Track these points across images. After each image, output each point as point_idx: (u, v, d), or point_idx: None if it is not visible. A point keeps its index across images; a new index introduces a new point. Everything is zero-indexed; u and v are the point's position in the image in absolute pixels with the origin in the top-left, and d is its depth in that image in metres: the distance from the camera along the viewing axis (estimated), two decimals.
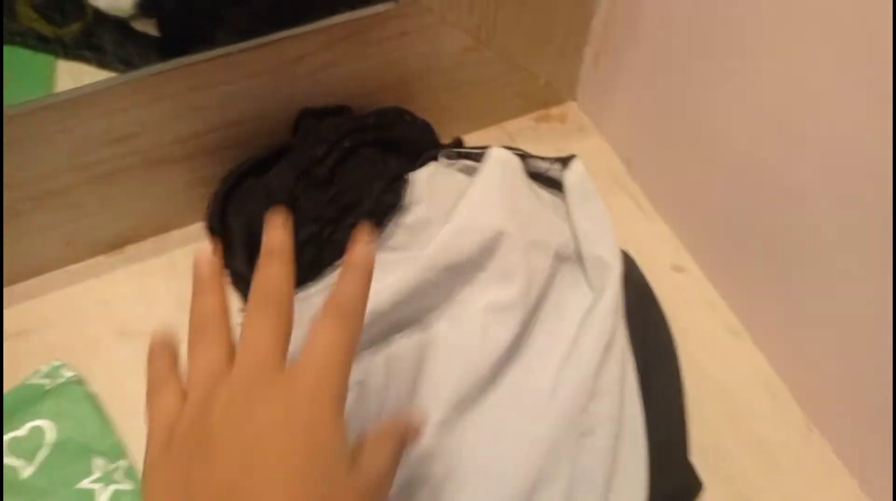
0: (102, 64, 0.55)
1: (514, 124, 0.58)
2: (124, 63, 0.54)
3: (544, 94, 0.57)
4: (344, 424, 0.27)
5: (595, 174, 0.53)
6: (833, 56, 0.35)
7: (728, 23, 0.41)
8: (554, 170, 0.43)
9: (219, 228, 0.45)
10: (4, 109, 0.40)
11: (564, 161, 0.43)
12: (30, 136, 0.41)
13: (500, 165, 0.41)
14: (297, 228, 0.40)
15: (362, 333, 0.38)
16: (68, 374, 0.45)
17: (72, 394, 0.45)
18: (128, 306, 0.48)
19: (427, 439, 0.35)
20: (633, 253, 0.48)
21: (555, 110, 0.59)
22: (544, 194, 0.43)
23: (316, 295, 0.39)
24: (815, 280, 0.41)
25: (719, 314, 0.50)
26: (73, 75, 0.54)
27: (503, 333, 0.37)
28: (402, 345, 0.39)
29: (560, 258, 0.41)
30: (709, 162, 0.48)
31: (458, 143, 0.47)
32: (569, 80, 0.57)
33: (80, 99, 0.40)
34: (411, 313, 0.39)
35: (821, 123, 0.37)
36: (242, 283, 0.46)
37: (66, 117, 0.41)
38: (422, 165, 0.42)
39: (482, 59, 0.51)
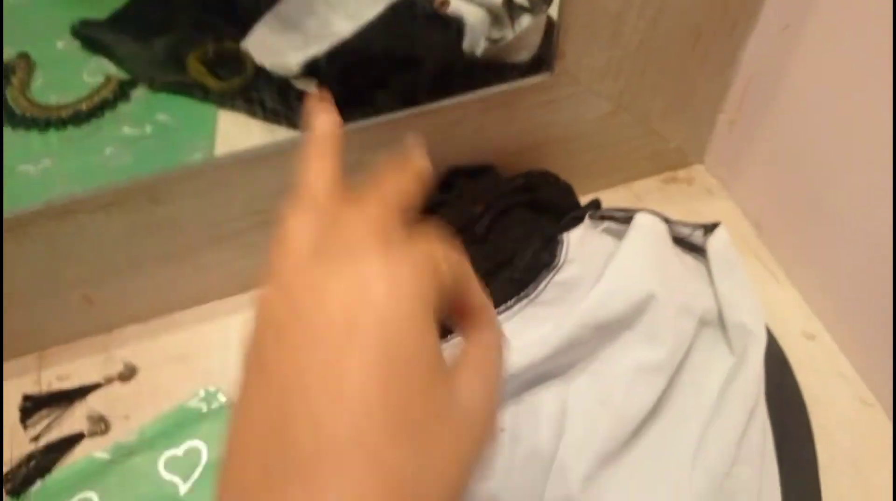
0: (258, 116, 0.61)
1: (641, 185, 0.60)
2: (279, 117, 0.60)
3: (673, 156, 0.59)
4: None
5: None
6: None
7: (865, 95, 0.42)
8: (696, 236, 0.45)
9: None
10: (203, 162, 0.45)
11: (707, 228, 0.45)
12: (218, 185, 0.45)
13: (648, 229, 0.43)
14: None
15: (511, 382, 0.40)
16: (223, 399, 0.49)
17: (226, 419, 0.49)
18: None
19: (573, 493, 0.37)
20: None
21: (682, 173, 0.61)
22: (687, 258, 0.45)
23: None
24: None
25: (851, 384, 0.50)
26: (232, 124, 0.60)
27: (649, 393, 0.39)
28: (544, 397, 0.42)
29: (703, 323, 0.42)
30: (842, 229, 0.48)
31: (597, 204, 0.49)
32: (699, 143, 0.59)
33: (263, 155, 0.45)
34: (556, 366, 0.41)
35: None
36: None
37: (250, 171, 0.45)
38: (568, 225, 0.45)
39: (619, 123, 0.54)
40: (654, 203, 0.59)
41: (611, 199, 0.59)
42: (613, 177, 0.59)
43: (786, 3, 0.47)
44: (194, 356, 0.51)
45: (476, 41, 0.54)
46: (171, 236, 0.47)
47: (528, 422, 0.41)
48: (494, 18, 0.55)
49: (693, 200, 0.59)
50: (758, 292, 0.45)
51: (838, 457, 0.46)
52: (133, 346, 0.51)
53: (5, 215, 0.43)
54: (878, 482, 0.46)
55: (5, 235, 0.43)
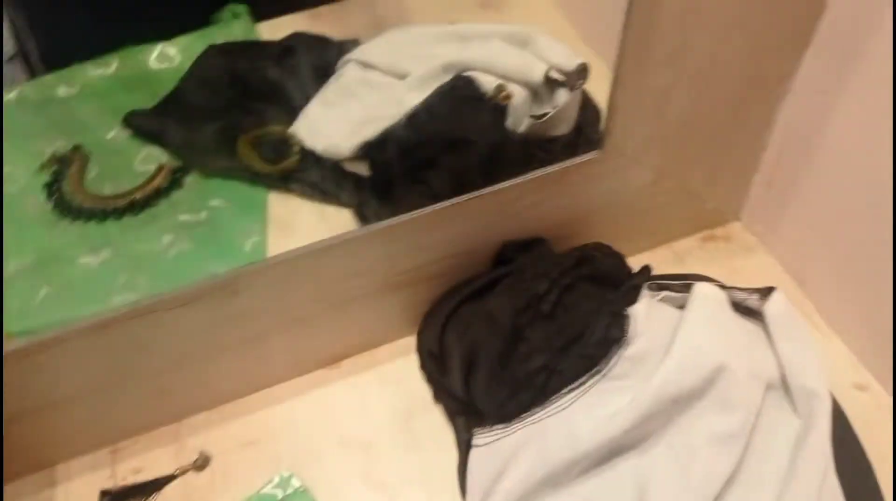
0: (308, 195, 0.63)
1: (681, 245, 0.62)
2: (329, 197, 0.62)
3: (711, 216, 0.61)
4: None
5: None
6: None
7: None
8: (751, 300, 0.47)
9: (437, 348, 0.51)
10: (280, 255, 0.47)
11: (763, 292, 0.46)
12: (291, 275, 0.47)
13: (709, 299, 0.44)
14: (526, 357, 0.45)
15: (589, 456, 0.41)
16: (297, 484, 0.50)
17: None
18: (346, 417, 0.53)
19: None
20: None
21: (720, 231, 0.63)
22: (747, 323, 0.47)
23: (545, 418, 0.43)
24: None
25: None
26: (283, 205, 0.62)
27: (727, 461, 0.40)
28: (623, 470, 0.43)
29: (768, 387, 0.44)
30: (885, 280, 0.50)
31: (648, 270, 0.51)
32: (735, 202, 0.61)
33: (332, 247, 0.47)
34: (633, 439, 0.42)
35: None
36: (455, 402, 0.51)
37: (320, 260, 0.47)
38: (628, 296, 0.46)
39: (660, 190, 0.56)
40: (695, 262, 0.61)
41: (653, 259, 0.61)
42: (654, 239, 0.61)
43: (821, 69, 0.50)
44: (264, 440, 0.52)
45: (519, 119, 0.57)
46: (246, 324, 0.48)
47: (607, 496, 0.42)
48: (534, 96, 0.58)
49: (733, 257, 0.61)
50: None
51: None
52: (204, 434, 0.52)
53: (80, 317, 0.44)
54: None
55: (84, 334, 0.44)
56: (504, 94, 0.53)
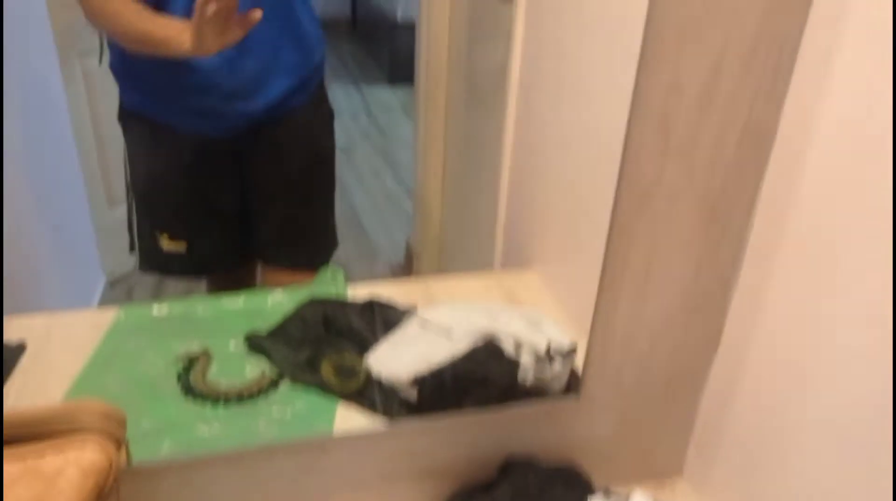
0: (367, 408, 0.86)
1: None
2: (384, 413, 0.85)
3: (658, 467, 0.83)
4: None
5: None
6: None
7: (801, 413, 0.67)
8: None
9: None
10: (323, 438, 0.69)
11: None
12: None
13: None
14: None
15: None
16: None
17: None
18: None
19: None
20: None
21: (667, 481, 0.83)
22: None
23: None
24: None
25: None
26: (347, 413, 0.85)
27: None
28: None
29: None
30: None
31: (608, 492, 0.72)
32: (677, 458, 0.83)
33: (373, 436, 0.69)
34: None
35: None
36: None
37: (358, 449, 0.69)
38: None
39: (619, 440, 0.79)
40: None
41: None
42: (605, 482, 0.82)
43: (724, 374, 0.75)
44: None
45: (526, 375, 0.82)
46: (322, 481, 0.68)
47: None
48: (538, 360, 0.84)
49: None
50: None
51: None
52: None
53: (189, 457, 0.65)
54: None
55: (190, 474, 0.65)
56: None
